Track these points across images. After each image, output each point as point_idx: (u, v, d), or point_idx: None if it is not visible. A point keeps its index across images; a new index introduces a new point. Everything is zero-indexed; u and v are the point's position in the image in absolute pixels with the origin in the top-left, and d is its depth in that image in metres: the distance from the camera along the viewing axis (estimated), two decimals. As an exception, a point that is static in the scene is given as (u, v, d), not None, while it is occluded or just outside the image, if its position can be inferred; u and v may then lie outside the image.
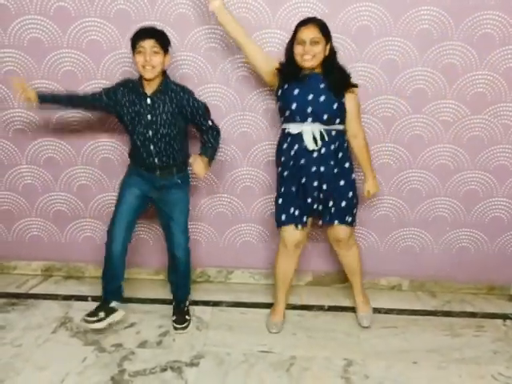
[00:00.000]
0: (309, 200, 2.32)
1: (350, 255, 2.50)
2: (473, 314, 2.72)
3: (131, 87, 2.31)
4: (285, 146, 2.33)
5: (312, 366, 2.24)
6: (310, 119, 2.25)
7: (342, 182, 2.32)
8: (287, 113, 2.29)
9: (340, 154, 2.31)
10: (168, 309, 2.62)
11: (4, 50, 2.61)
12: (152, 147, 2.31)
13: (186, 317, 2.53)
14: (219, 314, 2.65)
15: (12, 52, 2.61)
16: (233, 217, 2.89)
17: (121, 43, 2.57)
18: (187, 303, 2.60)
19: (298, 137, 2.27)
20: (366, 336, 2.47)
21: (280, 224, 2.39)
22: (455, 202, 2.80)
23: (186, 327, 2.48)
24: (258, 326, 2.54)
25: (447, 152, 2.71)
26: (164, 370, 2.18)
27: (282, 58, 2.54)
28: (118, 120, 2.43)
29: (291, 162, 2.31)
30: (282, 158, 2.34)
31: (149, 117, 2.28)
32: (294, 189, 2.33)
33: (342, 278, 2.92)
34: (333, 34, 2.47)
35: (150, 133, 2.29)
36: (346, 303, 2.76)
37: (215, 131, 2.40)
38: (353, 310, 2.67)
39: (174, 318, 2.51)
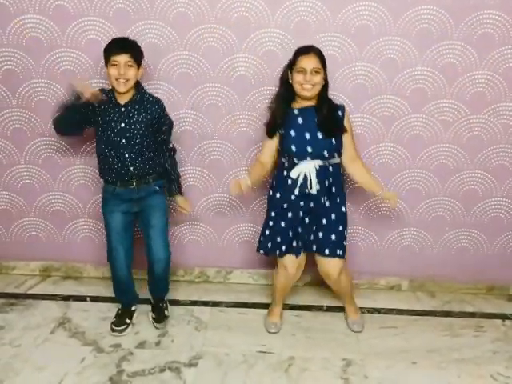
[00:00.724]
0: (300, 230, 2.33)
1: (342, 287, 2.49)
2: (472, 314, 2.72)
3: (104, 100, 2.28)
4: (282, 178, 2.33)
5: (311, 366, 2.23)
6: (308, 158, 2.25)
7: (333, 216, 2.32)
8: (286, 154, 2.29)
9: (333, 189, 2.31)
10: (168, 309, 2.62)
11: (3, 50, 2.60)
12: (127, 155, 2.29)
13: (166, 312, 2.54)
14: (218, 315, 2.64)
15: (11, 51, 2.60)
16: (232, 217, 2.88)
17: (120, 42, 2.56)
18: (165, 299, 2.61)
19: (296, 179, 2.27)
20: (365, 336, 2.46)
21: (281, 254, 2.36)
22: (455, 202, 2.79)
23: (164, 325, 2.50)
24: (257, 327, 2.53)
25: (447, 152, 2.70)
26: (163, 370, 2.18)
27: (280, 59, 2.55)
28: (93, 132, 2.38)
29: (286, 194, 2.32)
30: (279, 190, 2.35)
31: (122, 125, 2.27)
32: (285, 220, 2.33)
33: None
34: (332, 34, 2.48)
35: (124, 141, 2.27)
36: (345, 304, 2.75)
37: (173, 151, 2.48)
38: (352, 310, 2.67)
39: (154, 315, 2.51)
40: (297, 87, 2.22)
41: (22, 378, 2.10)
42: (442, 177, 2.74)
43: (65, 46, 2.59)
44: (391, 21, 2.48)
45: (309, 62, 2.17)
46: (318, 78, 2.19)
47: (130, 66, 2.20)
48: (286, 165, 2.32)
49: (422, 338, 2.48)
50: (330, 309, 2.71)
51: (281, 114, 2.27)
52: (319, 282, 2.94)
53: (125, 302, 2.56)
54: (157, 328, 2.49)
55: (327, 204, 2.31)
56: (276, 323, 2.51)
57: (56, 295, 2.79)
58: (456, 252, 2.89)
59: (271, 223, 2.38)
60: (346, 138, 2.30)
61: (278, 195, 2.36)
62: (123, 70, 2.17)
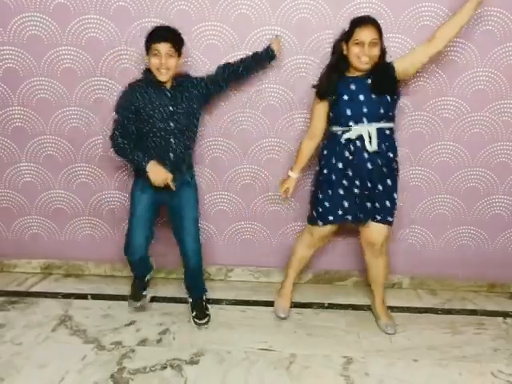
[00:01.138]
0: (357, 200, 2.32)
1: (380, 266, 2.47)
2: (473, 312, 2.72)
3: (144, 85, 2.28)
4: (337, 149, 2.29)
5: (312, 363, 2.23)
6: (365, 120, 2.21)
7: (389, 182, 2.30)
8: (342, 119, 2.25)
9: (390, 154, 2.29)
10: (168, 307, 2.63)
11: (3, 48, 2.60)
12: (172, 140, 2.29)
13: (206, 312, 2.54)
14: (219, 312, 2.64)
15: (11, 49, 2.60)
16: (233, 214, 2.88)
17: (120, 40, 2.56)
18: (204, 298, 2.61)
19: (353, 139, 2.24)
20: (366, 334, 2.46)
21: (325, 222, 2.39)
22: (456, 200, 2.79)
23: (206, 322, 2.50)
24: (258, 324, 2.53)
25: (448, 149, 2.70)
26: (164, 367, 2.18)
27: (281, 57, 2.54)
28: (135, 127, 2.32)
29: (341, 164, 2.30)
30: (332, 161, 2.31)
31: (171, 108, 2.28)
32: (341, 191, 2.32)
33: (341, 276, 2.92)
34: (333, 31, 2.47)
35: (172, 125, 2.28)
36: (346, 301, 2.75)
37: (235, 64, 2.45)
38: (353, 307, 2.67)
39: (194, 313, 2.52)
40: (354, 60, 2.17)
41: (23, 375, 2.10)
42: (444, 174, 2.74)
43: (65, 43, 2.58)
44: (392, 18, 2.48)
45: (367, 34, 2.11)
46: (376, 50, 2.15)
47: (171, 55, 2.20)
48: (340, 133, 2.27)
49: (423, 335, 2.48)
50: (331, 306, 2.71)
51: (332, 82, 2.23)
52: (321, 280, 2.95)
53: (139, 276, 2.60)
54: (198, 326, 2.49)
55: (384, 169, 2.28)
56: (285, 308, 2.54)
57: (57, 293, 2.79)
58: (457, 249, 2.89)
59: (325, 194, 2.35)
60: (404, 61, 2.27)
61: (333, 161, 2.31)
62: (164, 60, 2.18)
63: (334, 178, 2.32)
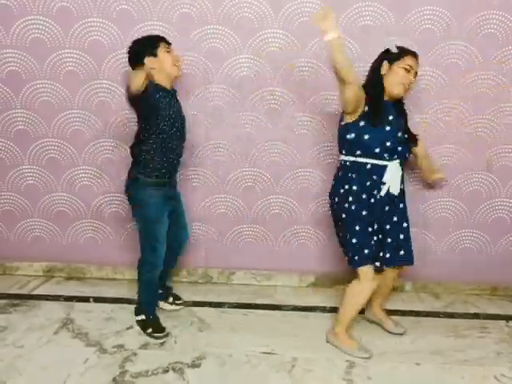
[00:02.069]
0: (388, 240, 2.25)
1: (388, 286, 2.47)
2: (476, 315, 2.71)
3: (162, 89, 2.18)
4: (363, 181, 2.15)
5: (314, 367, 2.23)
6: (395, 157, 2.14)
7: (404, 224, 2.29)
8: (376, 149, 2.11)
9: (401, 195, 2.28)
10: (170, 310, 2.61)
11: (6, 51, 2.61)
12: (181, 145, 2.33)
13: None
14: (221, 315, 2.64)
15: (14, 52, 2.61)
16: (235, 218, 2.88)
17: (123, 43, 2.56)
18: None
19: (379, 174, 2.14)
20: (369, 337, 2.45)
21: (380, 267, 2.26)
22: (458, 203, 2.78)
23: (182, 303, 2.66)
24: (260, 327, 2.53)
25: (450, 152, 2.69)
26: (166, 371, 2.17)
27: (283, 59, 2.54)
28: (149, 131, 2.21)
29: (366, 198, 2.17)
30: (363, 196, 2.16)
31: (182, 114, 2.31)
32: (370, 229, 2.19)
33: (343, 279, 2.91)
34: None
35: (182, 131, 2.31)
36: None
37: None
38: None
39: (173, 296, 2.69)
40: (393, 82, 2.10)
41: (25, 378, 2.10)
42: (446, 177, 2.73)
43: (68, 47, 2.59)
44: (394, 21, 2.48)
45: (415, 64, 2.13)
46: (413, 81, 2.16)
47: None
48: (369, 167, 2.14)
49: (426, 339, 2.47)
50: (333, 310, 2.70)
51: (379, 102, 2.13)
52: (323, 284, 2.94)
53: (154, 309, 2.50)
54: (178, 305, 2.64)
55: (401, 206, 2.27)
56: (359, 345, 2.34)
57: (59, 296, 2.79)
58: (460, 253, 2.88)
59: (360, 237, 2.18)
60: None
61: (363, 196, 2.17)
62: (175, 55, 2.22)
63: (364, 214, 2.17)
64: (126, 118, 2.67)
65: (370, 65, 2.20)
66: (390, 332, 2.48)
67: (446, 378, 2.18)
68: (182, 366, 2.20)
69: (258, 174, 2.78)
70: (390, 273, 2.39)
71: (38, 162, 2.81)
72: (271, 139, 2.71)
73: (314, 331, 2.49)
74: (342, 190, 2.20)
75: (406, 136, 2.21)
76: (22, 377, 2.10)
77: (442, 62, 2.54)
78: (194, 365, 2.22)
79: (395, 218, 2.25)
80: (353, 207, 2.16)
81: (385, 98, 2.16)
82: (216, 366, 2.21)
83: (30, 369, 2.16)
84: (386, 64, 2.13)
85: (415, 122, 2.64)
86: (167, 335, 2.39)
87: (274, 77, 2.60)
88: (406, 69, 2.11)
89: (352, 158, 2.16)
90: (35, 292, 2.85)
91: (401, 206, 2.27)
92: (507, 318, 2.69)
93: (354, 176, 2.16)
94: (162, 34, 2.49)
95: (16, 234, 2.98)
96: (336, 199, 2.23)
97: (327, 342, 2.39)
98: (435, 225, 2.83)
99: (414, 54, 2.16)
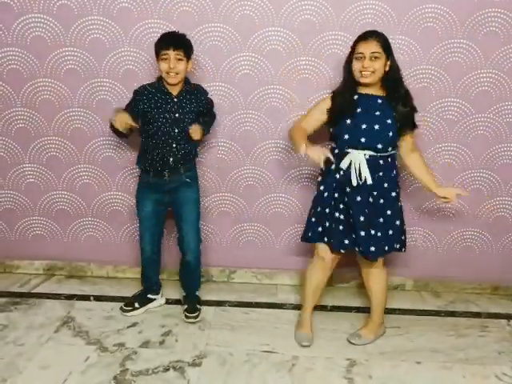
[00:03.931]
0: (353, 235, 2.22)
1: (381, 280, 2.37)
2: (477, 314, 2.71)
3: (154, 91, 2.34)
4: (333, 167, 2.22)
5: (315, 366, 2.23)
6: (360, 147, 2.16)
7: (388, 212, 2.24)
8: (338, 141, 2.22)
9: (385, 185, 2.22)
10: (171, 308, 2.62)
11: (7, 49, 2.61)
12: (174, 145, 2.35)
13: (197, 306, 2.58)
14: (222, 314, 2.64)
15: (15, 50, 2.60)
16: (236, 216, 2.88)
17: (123, 41, 2.56)
18: (197, 293, 2.66)
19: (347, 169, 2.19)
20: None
21: (319, 240, 2.30)
22: (459, 201, 2.78)
23: (197, 316, 2.53)
24: (260, 326, 2.53)
25: (451, 151, 2.69)
26: (166, 369, 2.18)
27: (284, 57, 2.54)
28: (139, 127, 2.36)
29: (335, 185, 2.23)
30: (328, 179, 2.25)
31: (177, 115, 2.33)
32: (338, 214, 2.24)
33: (344, 278, 2.91)
34: (336, 32, 2.47)
35: (176, 130, 2.33)
36: (349, 303, 2.74)
37: (214, 116, 2.58)
38: (356, 309, 2.66)
39: (185, 306, 2.57)
40: (356, 74, 2.13)
41: (25, 376, 2.10)
42: (447, 176, 2.73)
43: (69, 45, 2.59)
44: (395, 19, 2.47)
45: (367, 47, 2.08)
46: (379, 64, 2.10)
47: (180, 59, 2.24)
48: (337, 151, 2.23)
49: (427, 337, 2.47)
50: (334, 309, 2.70)
51: (346, 102, 2.17)
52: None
53: (145, 286, 2.68)
54: (188, 320, 2.52)
55: (381, 201, 2.22)
56: (308, 335, 2.41)
57: (60, 294, 2.79)
58: (461, 251, 2.88)
59: (315, 216, 2.29)
60: (407, 140, 2.28)
61: (326, 188, 2.26)
62: (173, 64, 2.22)
63: (326, 195, 2.26)
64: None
65: None
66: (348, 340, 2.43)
67: (447, 376, 2.18)
68: (183, 364, 2.21)
69: (260, 173, 2.78)
70: (369, 275, 2.36)
71: (38, 160, 2.81)
72: (272, 138, 2.70)
73: (315, 330, 2.48)
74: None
75: (376, 127, 2.15)
76: (22, 375, 2.11)
77: (443, 61, 2.53)
78: (195, 363, 2.22)
79: (366, 211, 2.20)
80: (322, 187, 2.28)
81: (363, 92, 2.18)
82: (217, 365, 2.21)
83: (30, 367, 2.16)
84: (351, 58, 2.17)
85: (417, 121, 2.63)
86: (126, 310, 2.59)
87: (274, 75, 2.59)
88: (356, 58, 2.12)
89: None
90: (36, 290, 2.85)
91: (381, 201, 2.21)
92: (508, 316, 2.68)
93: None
94: (162, 32, 2.50)
95: (17, 232, 2.98)
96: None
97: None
98: (437, 223, 2.82)
99: (365, 38, 2.12)
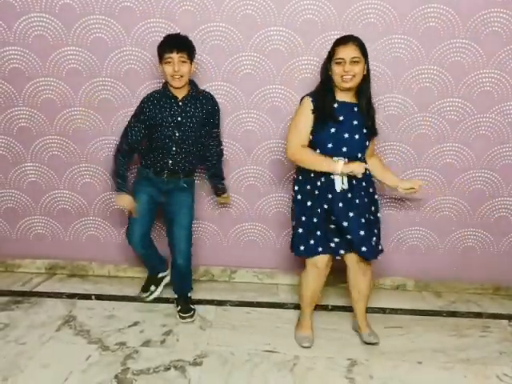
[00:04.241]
0: (336, 240, 2.24)
1: (366, 280, 2.37)
2: (478, 315, 2.70)
3: (159, 96, 2.36)
4: (312, 174, 2.22)
5: (316, 365, 2.23)
6: (342, 156, 2.16)
7: (371, 217, 2.26)
8: (320, 149, 2.19)
9: (371, 190, 2.26)
10: (172, 308, 2.62)
11: (9, 48, 2.61)
12: (174, 147, 2.36)
13: (191, 306, 2.58)
14: (223, 314, 2.64)
15: (17, 50, 2.61)
16: (237, 216, 2.88)
17: (125, 41, 2.56)
18: (190, 295, 2.66)
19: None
20: (371, 336, 2.45)
21: (313, 254, 2.28)
22: (461, 202, 2.78)
23: (192, 315, 2.53)
24: (262, 326, 2.53)
25: (453, 151, 2.69)
26: (167, 368, 2.17)
27: (286, 57, 2.54)
28: (144, 130, 2.40)
29: (317, 192, 2.22)
30: (308, 187, 2.24)
31: (179, 118, 2.34)
32: (315, 219, 2.23)
33: (345, 278, 2.90)
34: (339, 32, 2.46)
35: (177, 134, 2.35)
36: (350, 303, 2.74)
37: (220, 148, 2.60)
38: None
39: (179, 308, 2.56)
40: (337, 79, 2.13)
41: (26, 375, 2.10)
42: (449, 176, 2.73)
43: (71, 44, 2.59)
44: (398, 19, 2.47)
45: (348, 52, 2.09)
46: (359, 68, 2.11)
47: (184, 62, 2.25)
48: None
49: (428, 338, 2.46)
50: (334, 308, 2.70)
51: (327, 110, 2.16)
52: (324, 282, 2.94)
53: (149, 269, 2.77)
54: (184, 320, 2.52)
55: (365, 200, 2.23)
56: (308, 336, 2.40)
57: (61, 293, 2.79)
58: (462, 252, 2.87)
59: (302, 227, 2.28)
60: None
61: (307, 196, 2.25)
62: (177, 67, 2.23)
63: (310, 204, 2.25)
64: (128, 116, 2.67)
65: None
66: (364, 342, 2.40)
67: (448, 377, 2.18)
68: (184, 363, 2.21)
69: (261, 173, 2.78)
70: (354, 275, 2.36)
71: (40, 159, 2.81)
72: (274, 137, 2.70)
73: (316, 330, 2.48)
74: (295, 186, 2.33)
75: (356, 137, 2.17)
76: (23, 374, 2.11)
77: (445, 61, 2.53)
78: (196, 363, 2.22)
79: (351, 214, 2.19)
80: (298, 197, 2.28)
81: (341, 99, 2.18)
82: (218, 364, 2.21)
83: (31, 366, 2.16)
84: (328, 65, 2.17)
85: (418, 121, 2.64)
86: (147, 296, 2.70)
87: (276, 75, 2.59)
88: (337, 63, 2.11)
89: None
90: (37, 289, 2.85)
91: (356, 201, 2.20)
92: (510, 317, 2.68)
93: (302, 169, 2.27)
94: (164, 32, 2.51)
95: (18, 231, 2.98)
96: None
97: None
98: (438, 223, 2.82)
99: (345, 42, 2.12)
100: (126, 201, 2.43)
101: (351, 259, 2.31)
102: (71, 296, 2.76)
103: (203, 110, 2.38)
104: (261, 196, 2.83)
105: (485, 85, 2.57)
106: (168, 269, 2.73)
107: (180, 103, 2.34)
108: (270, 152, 2.74)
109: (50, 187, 2.87)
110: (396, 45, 2.51)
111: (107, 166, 2.79)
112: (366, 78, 2.17)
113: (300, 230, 2.29)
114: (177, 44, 2.24)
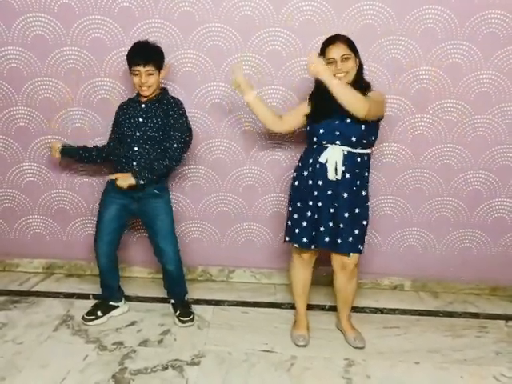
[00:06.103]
0: (321, 229, 2.23)
1: (352, 284, 2.38)
2: (475, 315, 2.71)
3: (128, 102, 2.44)
4: (311, 160, 2.23)
5: (313, 365, 2.23)
6: (338, 142, 2.16)
7: (357, 210, 2.23)
8: (315, 137, 2.21)
9: (358, 182, 2.22)
10: (170, 307, 2.62)
11: (8, 48, 2.61)
12: (136, 148, 2.33)
13: (189, 310, 2.56)
14: (220, 313, 2.64)
15: (16, 49, 2.61)
16: (235, 216, 2.88)
17: (124, 41, 2.57)
18: (186, 298, 2.63)
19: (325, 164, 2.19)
20: (368, 336, 2.45)
21: (302, 245, 2.28)
22: (458, 202, 2.79)
23: (192, 319, 2.51)
24: (259, 326, 2.53)
25: (451, 152, 2.70)
26: (165, 368, 2.18)
27: (284, 58, 2.54)
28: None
29: (309, 181, 2.24)
30: (305, 173, 2.25)
31: (140, 119, 2.34)
32: (309, 213, 2.24)
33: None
34: (336, 33, 2.46)
35: (138, 134, 2.33)
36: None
37: (173, 162, 2.34)
38: (354, 309, 2.66)
39: (178, 312, 2.52)
40: None
41: (24, 375, 2.10)
42: (446, 177, 2.74)
43: (69, 44, 2.59)
44: (396, 20, 2.48)
45: (337, 50, 2.11)
46: (351, 64, 2.13)
47: (151, 74, 2.26)
48: (315, 146, 2.23)
49: (425, 338, 2.47)
50: (332, 308, 2.70)
51: (324, 109, 2.19)
52: (321, 282, 2.94)
53: (105, 294, 2.59)
54: (184, 325, 2.48)
55: (351, 197, 2.20)
56: (304, 335, 2.40)
57: (59, 293, 2.79)
58: (459, 252, 2.88)
59: (296, 214, 2.30)
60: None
61: (302, 183, 2.27)
62: (144, 79, 2.26)
63: (300, 193, 2.27)
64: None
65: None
66: (351, 345, 2.39)
67: (445, 377, 2.18)
68: (181, 363, 2.21)
69: (259, 173, 2.78)
70: (339, 279, 2.36)
71: (38, 159, 2.82)
72: (272, 138, 2.71)
73: (313, 330, 2.49)
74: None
75: (348, 120, 2.15)
76: (21, 373, 2.11)
77: (443, 62, 2.54)
78: (193, 362, 2.22)
79: (336, 205, 2.20)
80: (296, 183, 2.30)
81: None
82: (215, 364, 2.21)
83: (29, 365, 2.16)
84: None
85: (415, 122, 2.65)
86: (89, 319, 2.48)
87: (275, 75, 2.59)
88: (329, 63, 2.12)
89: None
90: (35, 289, 2.85)
91: (345, 195, 2.19)
92: (506, 317, 2.69)
93: (306, 157, 2.28)
94: (162, 32, 2.52)
95: (16, 230, 2.98)
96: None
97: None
98: (435, 224, 2.83)
99: (333, 41, 2.13)
100: (53, 144, 2.54)
101: (336, 263, 2.33)
102: (69, 296, 2.77)
103: (165, 113, 2.33)
104: (259, 196, 2.83)
105: (482, 86, 2.58)
106: (122, 302, 2.60)
107: (143, 105, 2.35)
108: (268, 152, 2.74)
109: (47, 187, 2.87)
110: (394, 46, 2.52)
111: (105, 166, 2.79)
112: (358, 73, 2.17)
113: (295, 216, 2.30)
114: (144, 57, 2.24)
